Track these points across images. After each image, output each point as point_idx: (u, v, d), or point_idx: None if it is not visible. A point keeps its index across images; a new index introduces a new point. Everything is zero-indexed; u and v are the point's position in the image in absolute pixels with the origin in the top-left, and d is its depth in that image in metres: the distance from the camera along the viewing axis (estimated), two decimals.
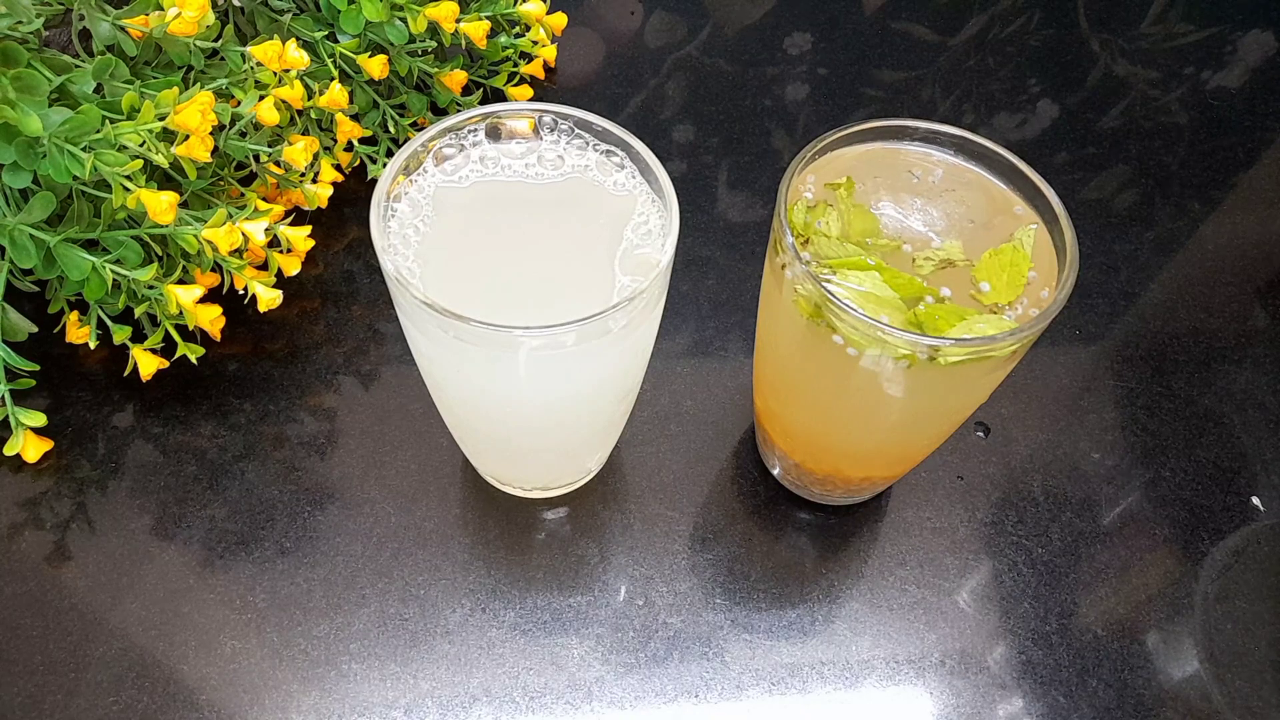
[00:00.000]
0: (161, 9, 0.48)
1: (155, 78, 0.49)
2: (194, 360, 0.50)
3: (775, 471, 0.49)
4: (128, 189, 0.43)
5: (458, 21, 0.57)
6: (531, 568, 0.46)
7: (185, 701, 0.41)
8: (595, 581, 0.46)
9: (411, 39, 0.55)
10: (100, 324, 0.50)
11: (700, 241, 0.59)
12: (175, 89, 0.43)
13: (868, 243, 0.38)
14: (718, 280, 0.58)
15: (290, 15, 0.55)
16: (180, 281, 0.47)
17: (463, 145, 0.40)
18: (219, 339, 0.50)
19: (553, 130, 0.40)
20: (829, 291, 0.35)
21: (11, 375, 0.47)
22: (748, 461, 0.50)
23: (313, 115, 0.55)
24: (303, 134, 0.54)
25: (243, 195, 0.52)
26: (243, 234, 0.46)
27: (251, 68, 0.50)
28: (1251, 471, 0.51)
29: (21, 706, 0.41)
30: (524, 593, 0.45)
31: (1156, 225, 0.63)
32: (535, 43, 0.64)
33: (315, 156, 0.55)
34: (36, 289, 0.50)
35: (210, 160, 0.46)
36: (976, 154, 0.40)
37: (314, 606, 0.44)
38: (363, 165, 0.61)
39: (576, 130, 0.40)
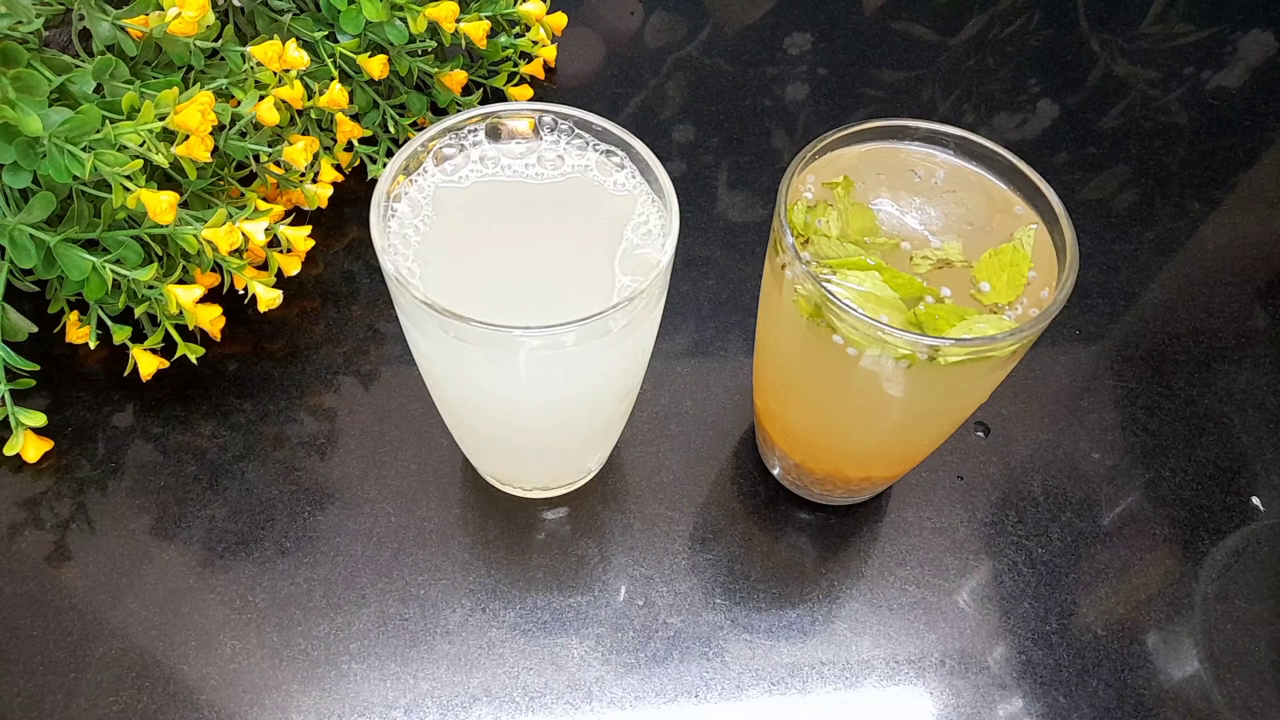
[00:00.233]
0: (161, 9, 0.48)
1: (155, 78, 0.49)
2: (194, 360, 0.50)
3: (775, 471, 0.49)
4: (128, 189, 0.43)
5: (458, 21, 0.57)
6: (531, 568, 0.46)
7: (185, 701, 0.41)
8: (595, 581, 0.46)
9: (411, 39, 0.55)
10: (100, 324, 0.50)
11: (700, 241, 0.59)
12: (175, 89, 0.43)
13: (867, 241, 0.38)
14: (718, 280, 0.58)
15: (290, 15, 0.55)
16: (180, 281, 0.47)
17: (463, 145, 0.40)
18: (219, 339, 0.50)
19: (553, 130, 0.40)
20: (829, 291, 0.35)
21: (11, 375, 0.47)
22: (748, 461, 0.50)
23: (313, 115, 0.55)
24: (303, 134, 0.54)
25: (243, 195, 0.52)
26: (243, 234, 0.46)
27: (251, 68, 0.50)
28: (1251, 471, 0.51)
29: (21, 706, 0.41)
30: (524, 593, 0.45)
31: (1156, 225, 0.63)
32: (535, 43, 0.64)
33: (315, 156, 0.55)
34: (36, 289, 0.50)
35: (210, 160, 0.46)
36: (976, 154, 0.40)
37: (314, 606, 0.44)
38: (363, 165, 0.61)
39: (576, 130, 0.40)
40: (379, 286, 0.56)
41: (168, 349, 0.50)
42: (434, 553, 0.46)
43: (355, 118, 0.58)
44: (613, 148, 0.40)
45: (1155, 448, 0.52)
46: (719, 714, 0.42)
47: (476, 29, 0.58)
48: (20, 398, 0.49)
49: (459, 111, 0.40)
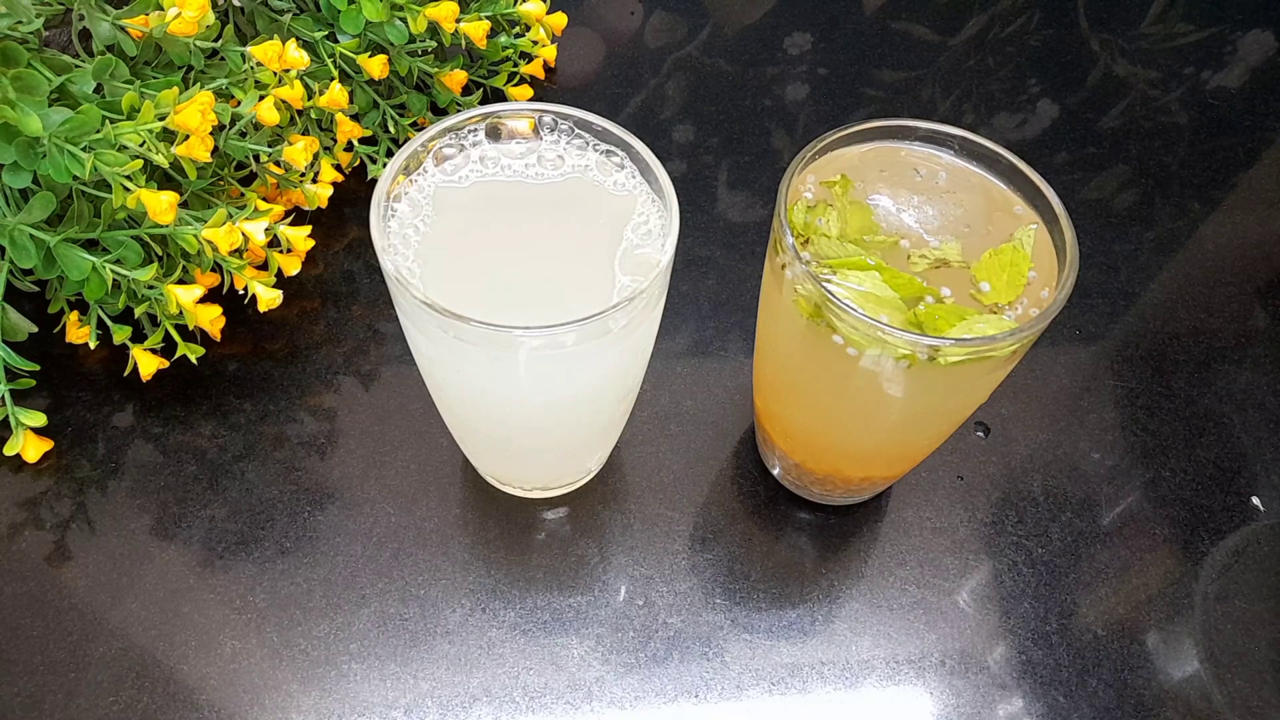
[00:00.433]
0: (161, 9, 0.48)
1: (155, 78, 0.49)
2: (194, 360, 0.50)
3: (775, 471, 0.49)
4: (128, 189, 0.43)
5: (458, 21, 0.57)
6: (531, 568, 0.46)
7: (185, 701, 0.41)
8: (595, 581, 0.46)
9: (411, 39, 0.55)
10: (100, 324, 0.50)
11: (700, 241, 0.59)
12: (175, 89, 0.43)
13: (866, 240, 0.38)
14: (718, 280, 0.58)
15: (290, 15, 0.55)
16: (180, 281, 0.47)
17: (463, 145, 0.40)
18: (219, 339, 0.50)
19: (553, 130, 0.40)
20: (829, 291, 0.35)
21: (11, 375, 0.47)
22: (748, 461, 0.50)
23: (313, 115, 0.55)
24: (303, 134, 0.54)
25: (243, 195, 0.52)
26: (243, 234, 0.46)
27: (251, 68, 0.50)
28: (1251, 471, 0.51)
29: (21, 706, 0.41)
30: (524, 593, 0.45)
31: (1156, 225, 0.63)
32: (535, 43, 0.64)
33: (315, 156, 0.55)
34: (36, 289, 0.50)
35: (210, 160, 0.46)
36: (976, 154, 0.40)
37: (314, 606, 0.44)
38: (363, 165, 0.61)
39: (576, 130, 0.40)
40: (379, 286, 0.56)
41: (168, 349, 0.50)
42: (434, 553, 0.46)
43: (355, 118, 0.58)
44: (613, 148, 0.40)
45: (1155, 448, 0.52)
46: (719, 714, 0.42)
47: (476, 29, 0.58)
48: (20, 398, 0.49)
49: (459, 111, 0.40)
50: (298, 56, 0.49)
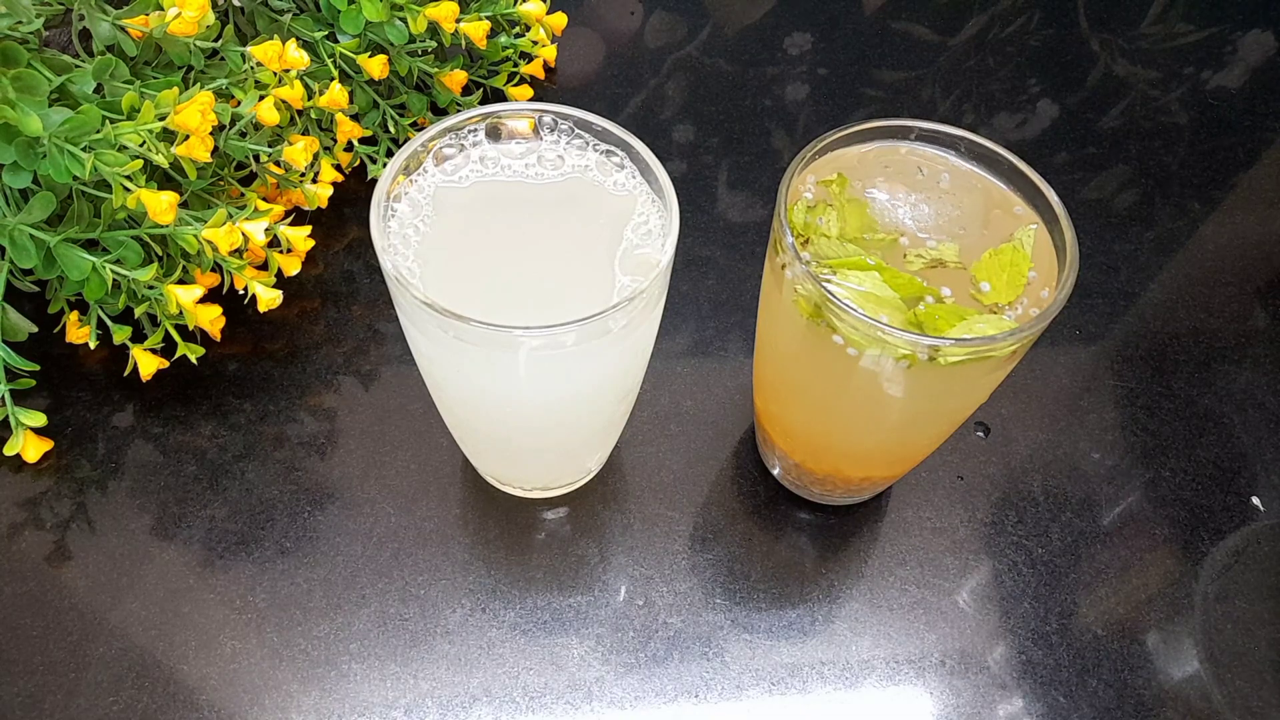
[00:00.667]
0: (161, 9, 0.48)
1: (155, 78, 0.49)
2: (194, 360, 0.50)
3: (775, 471, 0.49)
4: (128, 189, 0.43)
5: (458, 21, 0.57)
6: (531, 568, 0.46)
7: (185, 701, 0.41)
8: (595, 581, 0.46)
9: (411, 39, 0.55)
10: (100, 324, 0.50)
11: (700, 241, 0.59)
12: (175, 89, 0.43)
13: (865, 238, 0.38)
14: (718, 280, 0.58)
15: (290, 15, 0.55)
16: (180, 281, 0.47)
17: (463, 145, 0.40)
18: (219, 339, 0.50)
19: (553, 130, 0.40)
20: (829, 291, 0.35)
21: (11, 375, 0.47)
22: (748, 461, 0.50)
23: (313, 115, 0.55)
24: (303, 134, 0.54)
25: (243, 195, 0.52)
26: (243, 234, 0.46)
27: (251, 68, 0.50)
28: (1251, 471, 0.51)
29: (21, 706, 0.41)
30: (524, 593, 0.45)
31: (1156, 225, 0.63)
32: (535, 43, 0.64)
33: (315, 156, 0.55)
34: (36, 289, 0.50)
35: (210, 160, 0.46)
36: (976, 154, 0.40)
37: (314, 606, 0.44)
38: (363, 165, 0.61)
39: (576, 130, 0.40)
40: (379, 286, 0.56)
41: (168, 349, 0.50)
42: (434, 553, 0.46)
43: (355, 118, 0.58)
44: (613, 148, 0.40)
45: (1155, 448, 0.52)
46: (719, 714, 0.42)
47: (476, 29, 0.58)
48: (20, 398, 0.49)
49: (459, 111, 0.40)
50: (298, 56, 0.49)
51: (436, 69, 0.59)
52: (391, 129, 0.59)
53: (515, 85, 0.65)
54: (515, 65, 0.64)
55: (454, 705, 0.42)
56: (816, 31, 0.74)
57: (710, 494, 0.49)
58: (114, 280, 0.46)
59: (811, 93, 0.70)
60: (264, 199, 0.53)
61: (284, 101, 0.50)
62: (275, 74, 0.50)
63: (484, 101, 0.65)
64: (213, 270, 0.50)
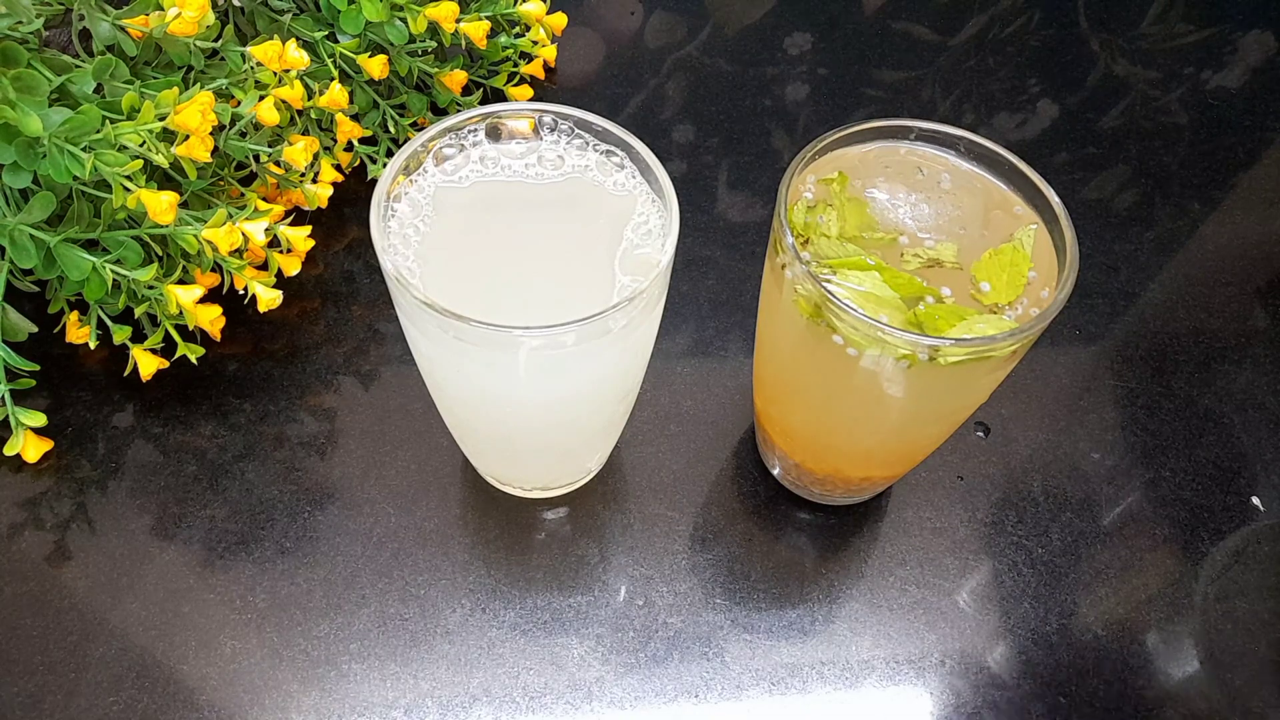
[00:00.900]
0: (161, 9, 0.48)
1: (155, 78, 0.49)
2: (194, 360, 0.50)
3: (775, 471, 0.49)
4: (128, 189, 0.43)
5: (458, 21, 0.57)
6: (531, 568, 0.46)
7: (185, 701, 0.41)
8: (595, 581, 0.46)
9: (411, 39, 0.55)
10: (100, 324, 0.50)
11: (700, 241, 0.59)
12: (175, 89, 0.43)
13: (865, 237, 0.38)
14: (718, 280, 0.58)
15: (290, 15, 0.55)
16: (180, 281, 0.47)
17: (463, 145, 0.40)
18: (219, 339, 0.50)
19: (553, 130, 0.40)
20: (829, 291, 0.35)
21: (11, 375, 0.47)
22: (748, 461, 0.50)
23: (313, 115, 0.55)
24: (303, 134, 0.54)
25: (243, 195, 0.52)
26: (243, 234, 0.46)
27: (251, 68, 0.50)
28: (1251, 471, 0.51)
29: (21, 706, 0.41)
30: (524, 593, 0.45)
31: (1156, 225, 0.63)
32: (535, 43, 0.64)
33: (315, 156, 0.55)
34: (36, 289, 0.50)
35: (210, 160, 0.46)
36: (976, 154, 0.40)
37: (314, 606, 0.44)
38: (363, 165, 0.61)
39: (576, 130, 0.40)
40: (379, 286, 0.56)
41: (168, 349, 0.50)
42: (434, 553, 0.46)
43: (355, 118, 0.58)
44: (613, 148, 0.40)
45: (1155, 448, 0.52)
46: (719, 714, 0.42)
47: (476, 29, 0.58)
48: (20, 398, 0.49)
49: (459, 111, 0.40)
50: (298, 56, 0.49)
51: (436, 69, 0.59)
52: (391, 129, 0.59)
53: (515, 85, 0.65)
54: (515, 65, 0.64)
55: (454, 705, 0.42)
56: (816, 31, 0.74)
57: (710, 494, 0.49)
58: (114, 280, 0.46)
59: (811, 93, 0.70)
60: (264, 199, 0.53)
61: (284, 101, 0.50)
62: (275, 74, 0.50)
63: (484, 101, 0.65)
64: (213, 270, 0.50)
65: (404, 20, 0.55)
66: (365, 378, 0.52)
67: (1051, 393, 0.54)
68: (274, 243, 0.51)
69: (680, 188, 0.45)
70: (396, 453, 0.49)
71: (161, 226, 0.45)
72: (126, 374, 0.50)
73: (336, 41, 0.55)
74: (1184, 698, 0.44)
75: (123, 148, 0.43)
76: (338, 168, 0.58)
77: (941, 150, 0.41)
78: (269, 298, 0.49)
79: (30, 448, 0.47)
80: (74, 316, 0.50)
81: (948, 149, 0.40)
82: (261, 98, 0.48)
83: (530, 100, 0.65)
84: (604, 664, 0.43)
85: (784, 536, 0.48)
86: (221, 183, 0.51)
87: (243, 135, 0.50)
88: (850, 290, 0.36)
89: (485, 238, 0.38)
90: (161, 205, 0.43)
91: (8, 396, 0.47)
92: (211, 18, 0.49)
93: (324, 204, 0.56)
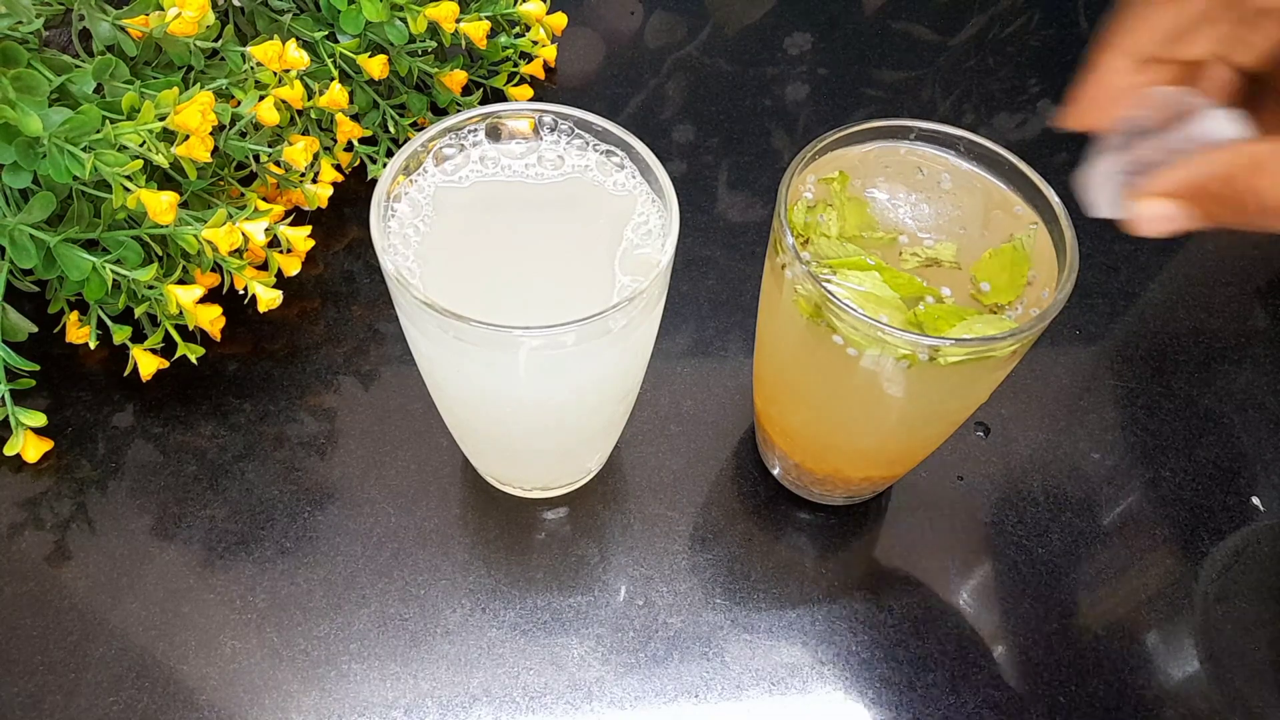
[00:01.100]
0: (161, 9, 0.48)
1: (155, 78, 0.49)
2: (194, 360, 0.50)
3: (775, 471, 0.49)
4: (128, 189, 0.43)
5: (458, 21, 0.57)
6: (531, 568, 0.46)
7: (185, 701, 0.41)
8: (595, 581, 0.46)
9: (411, 39, 0.55)
10: (100, 324, 0.50)
11: (700, 241, 0.59)
12: (175, 89, 0.43)
13: (864, 236, 0.38)
14: (718, 280, 0.58)
15: (290, 15, 0.55)
16: (180, 281, 0.47)
17: (463, 145, 0.40)
18: (219, 339, 0.50)
19: (553, 130, 0.40)
20: (829, 291, 0.35)
21: (11, 375, 0.47)
22: (748, 461, 0.50)
23: (313, 115, 0.55)
24: (303, 134, 0.54)
25: (243, 195, 0.52)
26: (243, 234, 0.46)
27: (251, 68, 0.50)
28: (1251, 471, 0.51)
29: (21, 706, 0.41)
30: (524, 593, 0.45)
31: None
32: (535, 43, 0.64)
33: (315, 156, 0.55)
34: (36, 289, 0.50)
35: (210, 160, 0.46)
36: (976, 154, 0.40)
37: (314, 606, 0.44)
38: (363, 165, 0.61)
39: (576, 130, 0.40)
40: (379, 286, 0.56)
41: (168, 349, 0.50)
42: (434, 553, 0.46)
43: (355, 118, 0.58)
44: (613, 148, 0.40)
45: (1155, 448, 0.52)
46: (719, 714, 0.42)
47: (476, 29, 0.58)
48: (20, 398, 0.49)
49: (459, 111, 0.40)
50: (298, 56, 0.49)
51: (436, 69, 0.59)
52: (391, 129, 0.59)
53: (515, 85, 0.65)
54: (515, 65, 0.64)
55: (454, 705, 0.42)
56: (816, 31, 0.74)
57: (710, 494, 0.49)
58: (114, 280, 0.46)
59: (811, 93, 0.70)
60: (264, 199, 0.53)
61: (284, 101, 0.50)
62: (275, 74, 0.50)
63: (484, 101, 0.65)
64: (213, 270, 0.50)
65: (404, 20, 0.55)
66: (365, 378, 0.52)
67: (1051, 393, 0.54)
68: (274, 243, 0.51)
69: (680, 188, 0.45)
70: (396, 453, 0.49)
71: (161, 226, 0.45)
72: (126, 374, 0.50)
73: (336, 41, 0.55)
74: (1184, 698, 0.44)
75: (123, 148, 0.43)
76: (338, 168, 0.58)
77: (941, 150, 0.41)
78: (269, 298, 0.49)
79: (30, 448, 0.47)
80: (74, 316, 0.50)
81: (948, 149, 0.40)
82: (261, 98, 0.48)
83: (530, 100, 0.65)
84: (604, 664, 0.43)
85: (784, 536, 0.48)
86: (221, 183, 0.51)
87: (243, 135, 0.50)
88: (850, 290, 0.36)
89: (485, 238, 0.38)
90: (161, 205, 0.43)
91: (8, 396, 0.47)
92: (211, 18, 0.49)
93: (324, 204, 0.56)
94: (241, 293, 0.50)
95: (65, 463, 0.48)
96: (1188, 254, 0.62)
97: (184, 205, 0.48)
